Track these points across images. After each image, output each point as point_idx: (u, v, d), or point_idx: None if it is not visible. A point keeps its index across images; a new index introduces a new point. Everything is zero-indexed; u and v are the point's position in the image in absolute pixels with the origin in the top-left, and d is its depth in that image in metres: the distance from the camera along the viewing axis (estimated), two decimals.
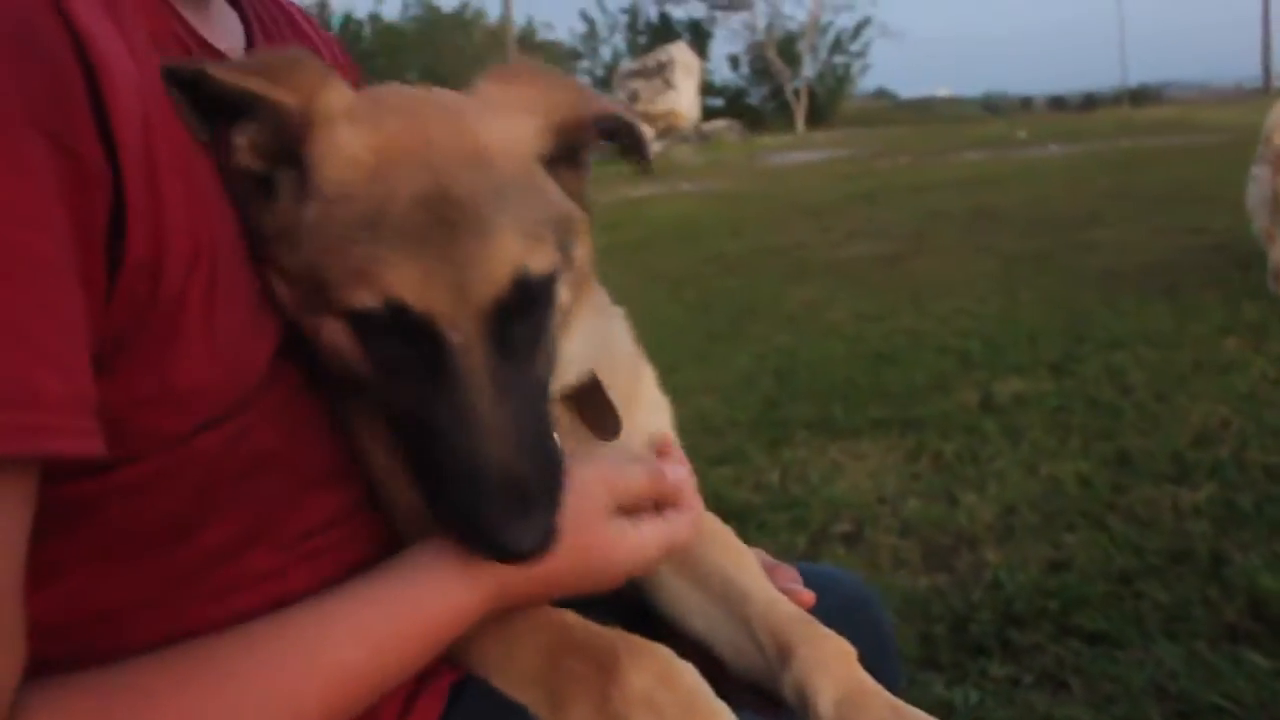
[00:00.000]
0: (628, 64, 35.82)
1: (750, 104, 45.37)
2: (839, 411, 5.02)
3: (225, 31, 1.10)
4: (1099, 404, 4.69)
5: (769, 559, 1.30)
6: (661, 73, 30.76)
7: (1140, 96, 55.33)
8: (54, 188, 0.72)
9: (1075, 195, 11.24)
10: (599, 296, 1.22)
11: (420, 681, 1.03)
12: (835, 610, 1.25)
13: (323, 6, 38.56)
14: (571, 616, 1.07)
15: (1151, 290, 6.62)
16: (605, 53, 48.11)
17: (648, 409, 1.29)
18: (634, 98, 31.07)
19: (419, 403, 0.93)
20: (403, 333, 0.92)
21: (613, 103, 1.10)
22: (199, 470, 0.89)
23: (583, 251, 1.08)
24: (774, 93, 45.16)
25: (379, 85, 1.07)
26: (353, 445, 1.09)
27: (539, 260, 0.96)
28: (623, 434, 1.20)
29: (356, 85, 1.30)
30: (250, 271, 0.95)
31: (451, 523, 0.95)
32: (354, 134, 0.95)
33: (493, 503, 0.90)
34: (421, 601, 0.96)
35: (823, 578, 1.37)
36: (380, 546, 1.05)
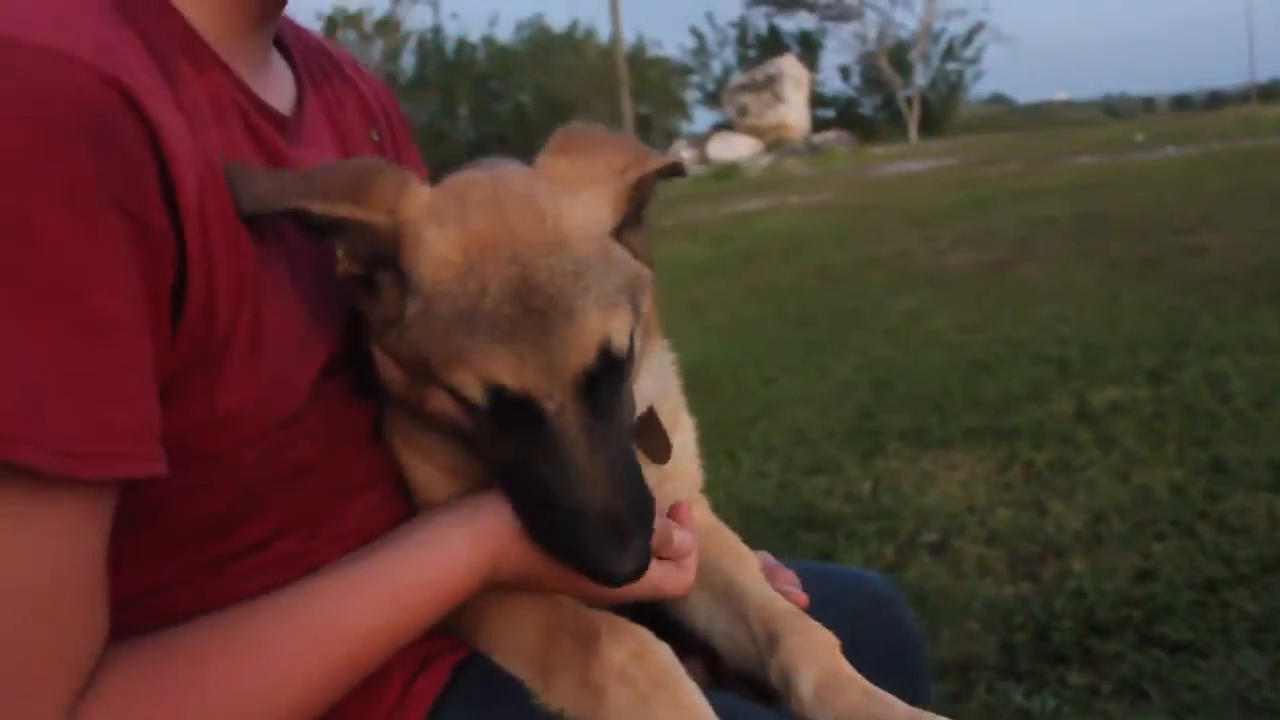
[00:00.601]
0: (737, 78, 35.90)
1: (862, 114, 45.04)
2: (933, 421, 5.02)
3: (279, 86, 1.21)
4: (1196, 411, 4.61)
5: (772, 561, 1.38)
6: (770, 86, 30.77)
7: (1270, 93, 53.69)
8: (127, 255, 0.85)
9: (1187, 198, 10.98)
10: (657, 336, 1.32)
11: (425, 661, 1.14)
12: (859, 607, 1.34)
13: (437, 30, 39.32)
14: (564, 600, 1.16)
15: (1259, 294, 6.45)
16: (715, 67, 48.21)
17: (684, 432, 1.39)
18: (743, 111, 31.13)
19: (524, 459, 1.04)
20: (504, 407, 1.03)
21: (663, 155, 1.18)
22: (242, 478, 1.01)
23: (649, 303, 1.18)
24: (886, 102, 44.78)
25: (455, 176, 1.15)
26: (394, 455, 1.20)
27: (619, 328, 1.05)
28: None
29: (407, 132, 1.41)
30: (295, 304, 1.06)
31: (560, 554, 1.06)
32: (442, 236, 1.04)
33: (596, 538, 1.01)
34: (432, 568, 1.07)
35: (847, 578, 1.46)
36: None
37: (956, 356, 6.18)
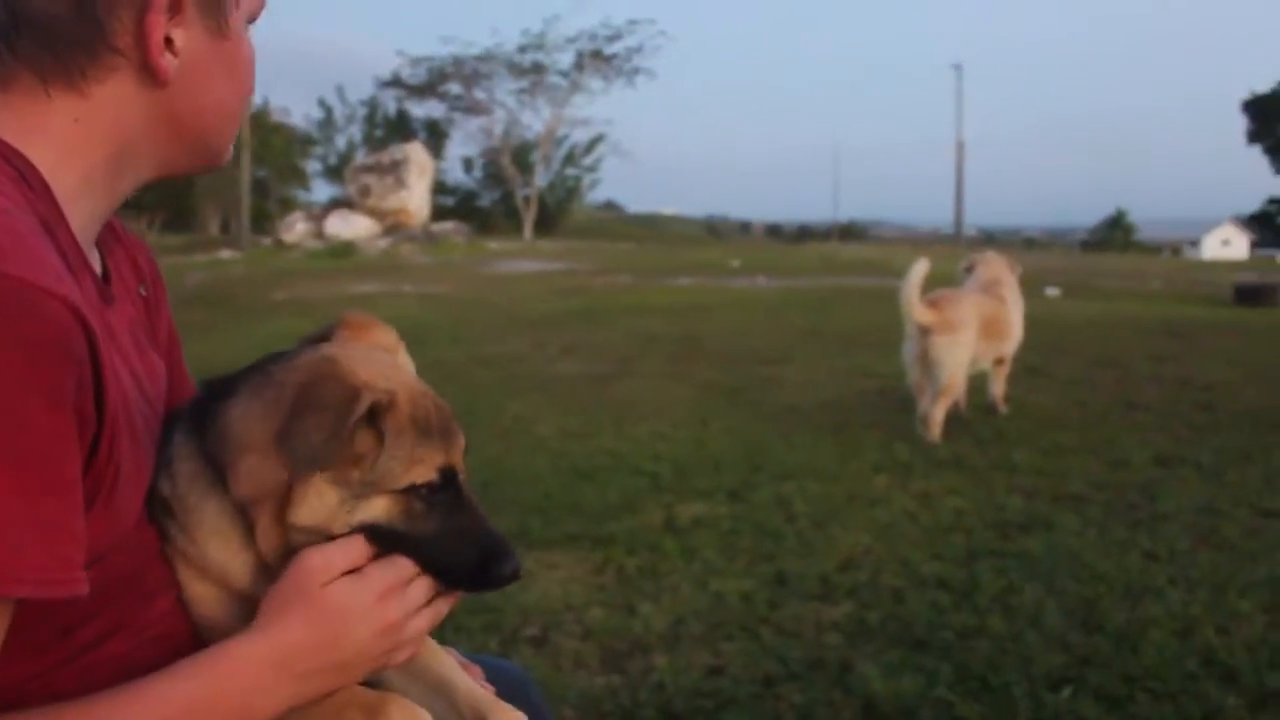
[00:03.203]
0: (362, 157, 35.94)
1: (480, 207, 46.03)
2: (537, 524, 5.40)
3: (94, 256, 1.48)
4: (765, 529, 5.24)
5: (461, 658, 1.71)
6: (395, 171, 31.04)
7: (849, 232, 59.11)
8: (76, 442, 1.14)
9: (774, 331, 12.10)
10: None
11: None
12: (501, 690, 1.70)
13: None
14: (352, 686, 1.47)
15: (823, 427, 7.30)
16: (340, 141, 47.98)
17: None
18: (365, 192, 31.20)
19: (446, 519, 1.42)
20: (445, 482, 1.41)
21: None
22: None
23: None
24: (504, 197, 45.91)
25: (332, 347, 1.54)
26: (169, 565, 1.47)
27: None
28: None
29: (163, 285, 1.70)
30: (134, 448, 1.33)
31: (473, 576, 1.44)
32: (396, 396, 1.42)
33: (501, 553, 1.42)
34: (225, 672, 1.34)
35: (491, 667, 1.81)
36: (193, 630, 1.44)
37: (561, 463, 6.64)
